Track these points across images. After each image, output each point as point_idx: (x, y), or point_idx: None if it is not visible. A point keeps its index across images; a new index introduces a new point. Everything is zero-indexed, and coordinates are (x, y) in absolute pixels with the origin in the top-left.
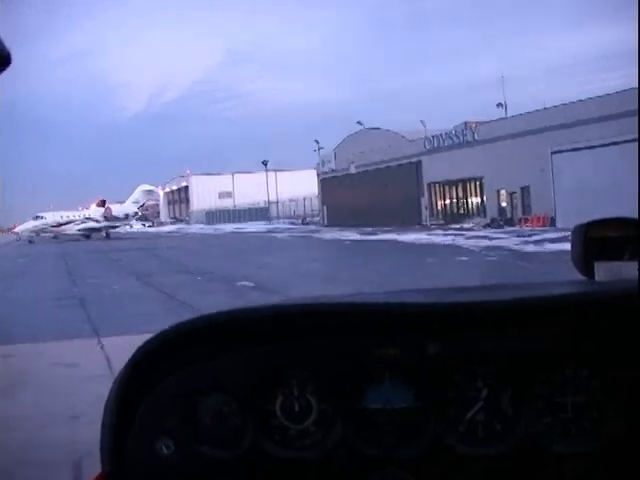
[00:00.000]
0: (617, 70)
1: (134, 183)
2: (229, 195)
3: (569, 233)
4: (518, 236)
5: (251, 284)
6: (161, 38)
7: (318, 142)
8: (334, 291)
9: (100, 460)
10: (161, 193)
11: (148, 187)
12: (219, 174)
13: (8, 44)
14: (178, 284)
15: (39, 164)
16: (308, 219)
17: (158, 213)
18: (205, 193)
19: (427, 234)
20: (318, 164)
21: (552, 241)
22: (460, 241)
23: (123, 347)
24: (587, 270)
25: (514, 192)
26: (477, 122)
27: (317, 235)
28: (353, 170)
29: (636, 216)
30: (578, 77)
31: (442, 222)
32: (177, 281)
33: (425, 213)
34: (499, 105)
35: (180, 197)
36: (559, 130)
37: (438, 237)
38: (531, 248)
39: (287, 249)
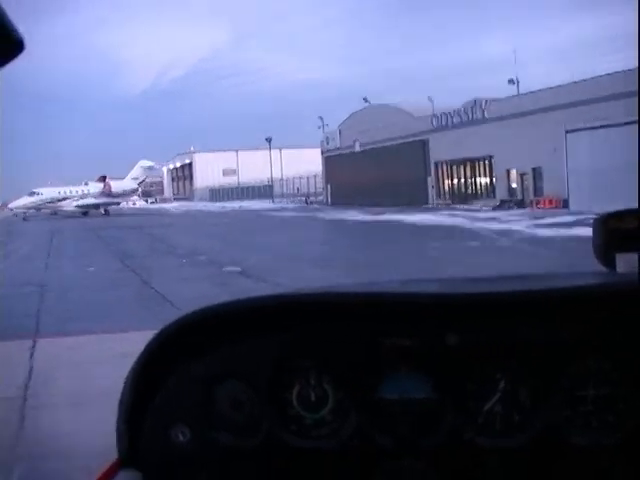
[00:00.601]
0: (626, 51)
1: (139, 160)
2: (233, 172)
3: (584, 216)
4: (530, 219)
5: (238, 269)
6: (168, 15)
7: (322, 119)
8: (327, 279)
9: (116, 447)
10: (165, 170)
11: (148, 163)
12: (223, 151)
13: (15, 21)
14: (160, 268)
15: (43, 140)
16: (312, 198)
17: (162, 190)
18: (209, 170)
19: (433, 215)
20: (322, 142)
21: (567, 225)
22: (468, 223)
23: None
24: (608, 261)
25: (525, 173)
26: (487, 99)
27: (319, 214)
28: (358, 148)
29: None
30: (590, 58)
31: (449, 202)
32: (160, 264)
33: (432, 193)
34: (510, 81)
35: (184, 174)
36: (574, 108)
37: (445, 218)
38: (545, 232)
39: (285, 229)
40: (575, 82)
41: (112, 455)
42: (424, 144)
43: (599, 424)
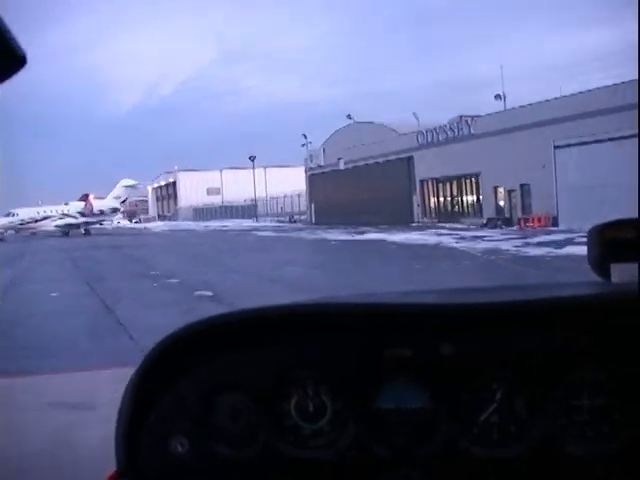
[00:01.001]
0: (618, 68)
1: (125, 178)
2: (217, 192)
3: (574, 235)
4: (519, 238)
5: (210, 294)
6: (155, 34)
7: (306, 137)
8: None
9: (115, 458)
10: (149, 189)
11: (130, 182)
12: (207, 170)
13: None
14: (129, 292)
15: (32, 159)
16: (296, 217)
17: (147, 209)
18: (193, 189)
19: (419, 234)
20: (306, 160)
21: (558, 244)
22: (455, 243)
23: None
24: (603, 272)
25: (513, 190)
26: (473, 116)
27: (302, 234)
28: (342, 166)
29: None
30: (577, 76)
31: (435, 221)
32: (129, 288)
33: (417, 211)
34: (497, 97)
35: (168, 193)
36: (563, 123)
37: (431, 237)
38: (536, 252)
39: (265, 250)
40: (564, 96)
41: (111, 467)
42: (409, 161)
43: (594, 434)
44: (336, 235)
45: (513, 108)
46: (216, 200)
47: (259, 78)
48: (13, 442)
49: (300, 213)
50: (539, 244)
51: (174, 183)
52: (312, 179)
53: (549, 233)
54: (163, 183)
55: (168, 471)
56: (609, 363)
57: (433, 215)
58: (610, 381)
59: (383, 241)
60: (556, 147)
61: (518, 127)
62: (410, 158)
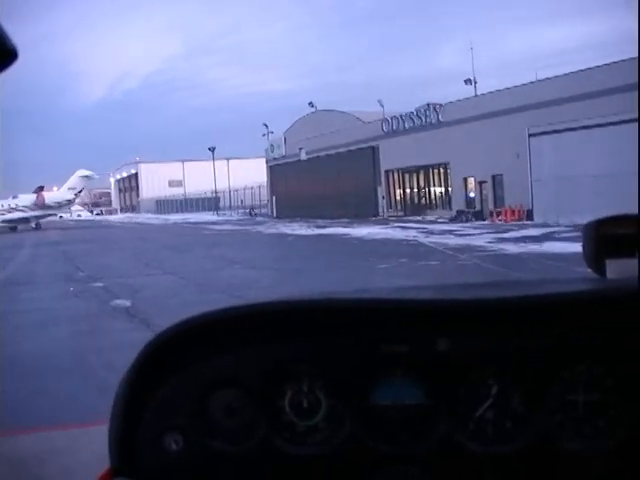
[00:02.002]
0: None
1: (81, 169)
2: (179, 184)
3: (551, 229)
4: (492, 232)
5: (127, 304)
6: (121, 27)
7: (267, 126)
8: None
9: (109, 455)
10: (112, 181)
11: (86, 172)
12: (169, 161)
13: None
14: (35, 301)
15: None
16: (256, 210)
17: (110, 201)
18: (155, 181)
19: (383, 228)
20: (266, 150)
21: (535, 240)
22: (422, 237)
23: None
24: (599, 267)
25: (484, 181)
26: (442, 103)
27: (259, 228)
28: (304, 156)
29: (633, 208)
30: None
31: (401, 214)
32: (40, 295)
33: (382, 204)
34: (467, 82)
35: (131, 185)
36: (538, 109)
37: (395, 232)
38: (514, 249)
39: (217, 246)
40: (539, 81)
41: (104, 464)
42: (374, 151)
43: (590, 430)
44: (295, 229)
45: (484, 94)
46: (178, 192)
47: (224, 71)
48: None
49: (262, 206)
50: (515, 240)
51: (136, 175)
52: (273, 170)
53: (524, 227)
54: (125, 175)
55: (162, 468)
56: (605, 359)
57: (399, 208)
58: (606, 377)
59: (344, 236)
60: (531, 135)
61: (490, 114)
62: (375, 148)
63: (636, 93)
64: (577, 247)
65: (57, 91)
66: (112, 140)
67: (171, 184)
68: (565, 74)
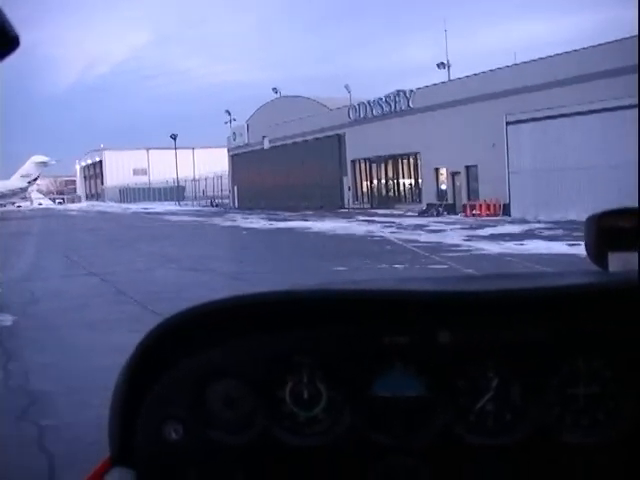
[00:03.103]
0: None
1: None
2: (144, 172)
3: (532, 225)
4: (466, 228)
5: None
6: (93, 14)
7: (230, 113)
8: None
9: (109, 444)
10: (78, 168)
11: (41, 158)
12: (134, 149)
13: None
14: None
15: None
16: (218, 201)
17: (75, 189)
18: (119, 169)
19: (348, 222)
20: (229, 138)
21: (515, 238)
22: (389, 233)
23: None
24: (601, 261)
25: (457, 172)
26: (413, 89)
27: (216, 220)
28: (267, 145)
29: (620, 202)
30: None
31: (368, 206)
32: None
33: (348, 195)
34: (441, 65)
35: (95, 172)
36: (516, 95)
37: (361, 226)
38: (492, 248)
39: (163, 240)
40: (517, 65)
41: (104, 452)
42: (340, 139)
43: (590, 422)
44: (254, 222)
45: (459, 78)
46: (143, 181)
47: (192, 61)
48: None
49: (225, 197)
50: (493, 237)
51: (101, 162)
52: (235, 160)
53: (501, 223)
54: (90, 162)
55: (162, 457)
56: (606, 351)
57: (366, 200)
58: (606, 369)
59: (304, 231)
60: (508, 123)
61: (464, 100)
62: (341, 136)
63: (635, 78)
64: (564, 247)
65: (26, 76)
66: (81, 126)
67: (136, 172)
68: (545, 57)
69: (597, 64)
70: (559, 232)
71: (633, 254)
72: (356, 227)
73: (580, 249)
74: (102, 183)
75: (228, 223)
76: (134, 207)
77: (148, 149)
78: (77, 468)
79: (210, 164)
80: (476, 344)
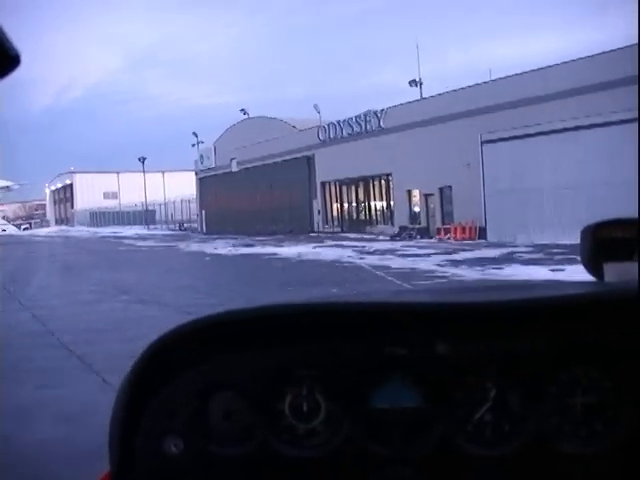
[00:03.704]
0: None
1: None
2: (115, 196)
3: (511, 249)
4: (441, 253)
5: None
6: (66, 36)
7: (197, 135)
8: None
9: (109, 459)
10: (48, 192)
11: (4, 183)
12: (104, 172)
13: None
14: None
15: None
16: (186, 225)
17: (44, 213)
18: (90, 192)
19: (317, 246)
20: (196, 161)
21: (496, 262)
22: (359, 259)
23: None
24: (596, 271)
25: (430, 194)
26: (384, 108)
27: (181, 245)
28: (235, 167)
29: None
30: None
31: (338, 230)
32: None
33: (318, 219)
34: (412, 83)
35: (65, 196)
36: (492, 113)
37: (330, 251)
38: (470, 275)
39: (121, 266)
40: (493, 81)
41: (104, 467)
42: (309, 161)
43: (588, 433)
44: (219, 248)
45: (431, 96)
46: (113, 204)
47: (164, 85)
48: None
49: (193, 220)
50: (471, 262)
51: (71, 185)
52: (203, 183)
53: (477, 247)
54: (60, 185)
55: (162, 471)
56: (603, 362)
57: (336, 223)
58: (604, 380)
59: (270, 257)
60: (484, 142)
61: (437, 119)
62: (310, 158)
63: (636, 90)
64: (546, 272)
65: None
66: (51, 150)
67: (106, 196)
68: (521, 73)
69: (576, 80)
70: (539, 256)
71: (629, 264)
72: (325, 252)
73: (563, 274)
74: (72, 207)
75: (193, 248)
76: (103, 231)
77: (118, 172)
78: None
79: (181, 187)
80: (474, 355)
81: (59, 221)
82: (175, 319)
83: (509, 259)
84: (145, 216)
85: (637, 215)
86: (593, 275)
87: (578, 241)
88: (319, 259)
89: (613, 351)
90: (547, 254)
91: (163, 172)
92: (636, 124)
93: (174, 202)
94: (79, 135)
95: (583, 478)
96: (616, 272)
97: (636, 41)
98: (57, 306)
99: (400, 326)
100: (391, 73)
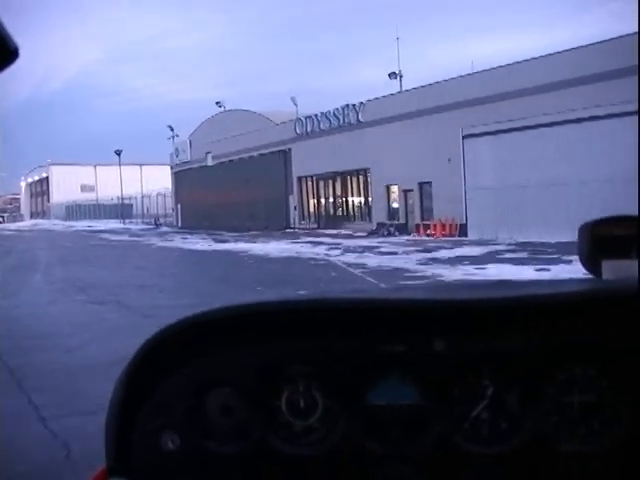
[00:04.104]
0: None
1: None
2: (92, 189)
3: (492, 247)
4: (421, 251)
5: None
6: (45, 30)
7: (173, 128)
8: None
9: (105, 455)
10: (23, 185)
11: None
12: (81, 165)
13: None
14: None
15: None
16: (162, 220)
17: (18, 207)
18: (66, 185)
19: (291, 243)
20: (171, 154)
21: (476, 261)
22: (335, 256)
23: None
24: (594, 268)
25: (410, 189)
26: (362, 101)
27: (154, 240)
28: (210, 161)
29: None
30: None
31: (315, 226)
32: None
33: (294, 215)
34: (392, 75)
35: (42, 189)
36: (474, 106)
37: (305, 248)
38: (450, 274)
39: (89, 262)
40: (477, 73)
41: (100, 463)
42: (285, 155)
43: (585, 431)
44: (192, 243)
45: (413, 89)
46: (91, 197)
47: (144, 79)
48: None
49: (170, 215)
50: (451, 261)
51: (47, 178)
52: (178, 177)
53: (458, 244)
54: (37, 178)
55: (159, 467)
56: (601, 360)
57: (313, 219)
58: (601, 378)
59: (242, 254)
60: (465, 137)
61: (417, 112)
62: (286, 152)
63: (636, 84)
64: (531, 272)
65: None
66: (28, 143)
67: (83, 189)
68: (504, 65)
69: (561, 72)
70: (523, 255)
71: (626, 262)
72: (300, 249)
73: (549, 274)
74: (48, 200)
75: (166, 244)
76: (78, 225)
77: (96, 165)
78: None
79: (158, 181)
80: (472, 352)
81: (34, 215)
82: (132, 322)
83: (491, 258)
84: (121, 210)
85: (633, 212)
86: (591, 272)
87: (563, 239)
88: (292, 256)
89: (611, 349)
90: (531, 253)
91: (141, 165)
92: (632, 118)
93: (149, 196)
94: (57, 128)
95: (581, 476)
96: (614, 269)
97: (635, 29)
98: (4, 306)
99: (398, 323)
100: (372, 69)
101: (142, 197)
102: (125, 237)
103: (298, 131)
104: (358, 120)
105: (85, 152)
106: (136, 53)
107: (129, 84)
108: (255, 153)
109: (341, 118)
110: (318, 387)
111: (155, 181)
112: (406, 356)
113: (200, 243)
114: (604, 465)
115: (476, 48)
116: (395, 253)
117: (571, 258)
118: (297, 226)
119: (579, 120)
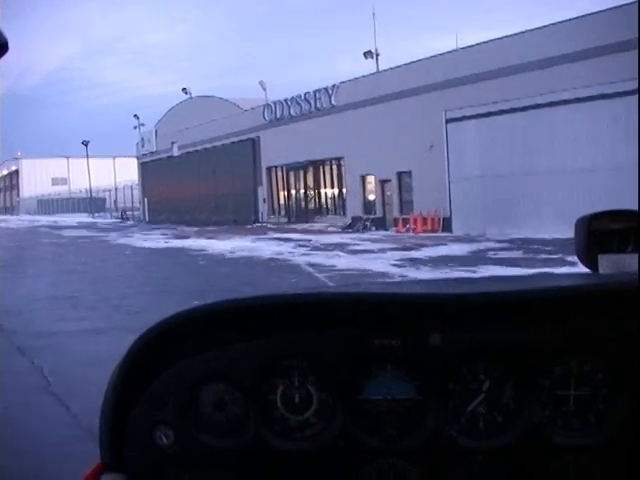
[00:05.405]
0: None
1: None
2: (64, 182)
3: (481, 245)
4: (398, 248)
5: None
6: (22, 24)
7: (138, 117)
8: None
9: (99, 450)
10: None
11: None
12: (53, 157)
13: None
14: None
15: None
16: (129, 213)
17: None
18: (37, 179)
19: (256, 239)
20: (137, 144)
21: (465, 263)
22: (301, 255)
23: None
24: (591, 263)
25: (387, 180)
26: (336, 83)
27: (112, 236)
28: (176, 152)
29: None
30: None
31: (285, 221)
32: None
33: (263, 208)
34: (368, 54)
35: (12, 183)
36: (458, 87)
37: (269, 245)
38: (434, 277)
39: (28, 263)
40: (462, 49)
41: (94, 459)
42: (254, 144)
43: (581, 425)
44: (149, 240)
45: (390, 68)
46: (63, 190)
47: (122, 73)
48: None
49: (133, 209)
50: (433, 261)
51: (17, 172)
52: (144, 168)
53: (442, 241)
54: (6, 172)
55: (153, 463)
56: (596, 353)
57: (283, 213)
58: (597, 371)
59: (197, 252)
60: (449, 121)
61: (395, 94)
62: (255, 140)
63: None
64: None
65: None
66: (7, 137)
67: (55, 182)
68: (492, 39)
69: (553, 48)
70: (518, 254)
71: (623, 256)
72: (263, 246)
73: None
74: (18, 195)
75: (121, 241)
76: (43, 220)
77: (68, 157)
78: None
79: (131, 174)
80: (467, 346)
81: (3, 210)
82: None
83: (481, 257)
84: (90, 203)
85: (631, 206)
86: (587, 266)
87: (560, 235)
88: (253, 256)
89: (607, 343)
90: (527, 252)
91: (114, 157)
92: (633, 98)
93: (116, 189)
94: (29, 121)
95: (576, 470)
96: (611, 264)
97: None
98: None
99: (394, 317)
100: (349, 54)
101: (115, 190)
102: (84, 232)
103: (267, 117)
104: (331, 104)
105: (58, 145)
106: (113, 48)
107: (105, 78)
108: (222, 142)
109: (313, 102)
110: (313, 381)
111: (128, 174)
112: (402, 350)
113: (158, 240)
114: (600, 458)
115: (461, 22)
116: (370, 252)
117: (575, 259)
118: (266, 220)
119: (578, 100)
